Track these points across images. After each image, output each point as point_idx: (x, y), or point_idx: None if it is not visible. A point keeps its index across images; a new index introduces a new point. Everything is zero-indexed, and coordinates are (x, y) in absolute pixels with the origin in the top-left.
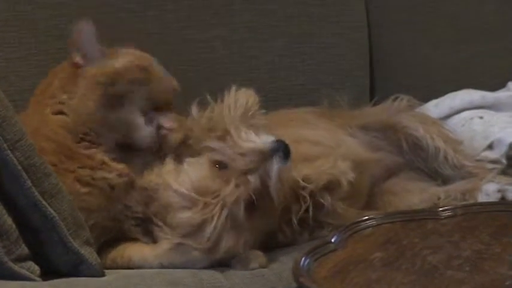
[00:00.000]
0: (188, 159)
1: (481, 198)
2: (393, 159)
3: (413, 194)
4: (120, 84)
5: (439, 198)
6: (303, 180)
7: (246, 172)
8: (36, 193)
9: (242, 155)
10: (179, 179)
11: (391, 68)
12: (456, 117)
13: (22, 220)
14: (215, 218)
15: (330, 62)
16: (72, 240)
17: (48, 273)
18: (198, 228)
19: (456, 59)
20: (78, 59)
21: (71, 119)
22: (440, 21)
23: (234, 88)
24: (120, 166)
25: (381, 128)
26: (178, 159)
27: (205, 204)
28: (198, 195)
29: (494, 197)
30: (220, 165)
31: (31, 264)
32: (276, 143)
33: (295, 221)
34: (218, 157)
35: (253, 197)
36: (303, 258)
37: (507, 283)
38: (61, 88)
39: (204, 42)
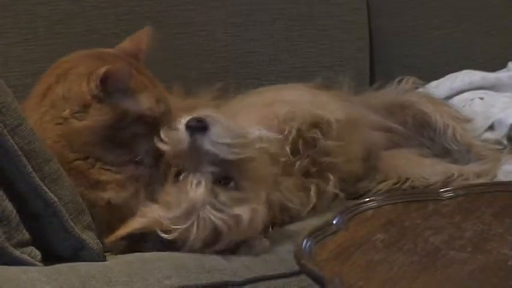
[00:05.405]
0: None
1: (500, 178)
2: (399, 137)
3: (425, 166)
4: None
5: (452, 175)
6: (285, 117)
7: (196, 168)
8: (37, 178)
9: (178, 157)
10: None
11: (391, 50)
12: (456, 98)
13: (23, 205)
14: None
15: (330, 44)
16: (73, 225)
17: (49, 258)
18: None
19: (456, 40)
20: (99, 93)
21: (70, 135)
22: (440, 2)
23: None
24: (118, 177)
25: (388, 107)
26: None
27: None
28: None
29: None
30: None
31: (32, 249)
32: (187, 125)
33: (298, 173)
34: (175, 166)
35: (224, 178)
36: (305, 241)
37: (509, 263)
38: (64, 100)
39: (204, 25)
